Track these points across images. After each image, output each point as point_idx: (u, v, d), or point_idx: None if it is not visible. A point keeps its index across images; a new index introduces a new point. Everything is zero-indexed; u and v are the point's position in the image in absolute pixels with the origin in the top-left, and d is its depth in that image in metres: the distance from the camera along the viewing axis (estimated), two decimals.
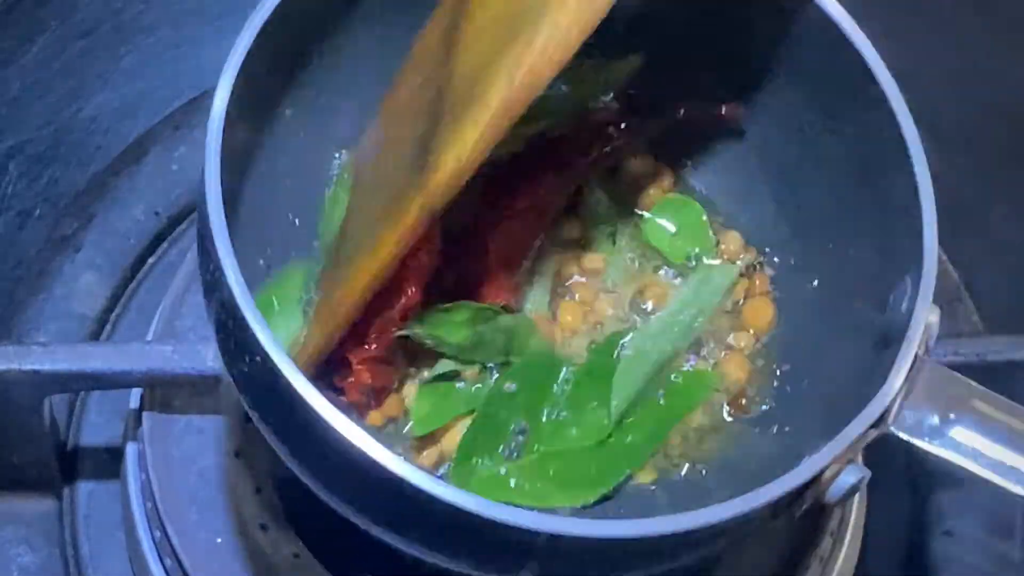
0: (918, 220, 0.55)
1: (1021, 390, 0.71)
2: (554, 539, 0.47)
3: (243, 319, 0.48)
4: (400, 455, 0.47)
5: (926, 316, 0.52)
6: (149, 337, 0.69)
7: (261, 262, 0.57)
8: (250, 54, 0.54)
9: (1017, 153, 0.74)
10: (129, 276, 0.78)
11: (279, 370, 0.47)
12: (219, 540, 0.63)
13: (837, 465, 0.51)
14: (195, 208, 0.78)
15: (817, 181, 0.61)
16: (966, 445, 0.52)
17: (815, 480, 0.50)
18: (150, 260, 0.78)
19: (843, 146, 0.60)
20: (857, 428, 0.51)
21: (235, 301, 0.49)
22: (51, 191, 0.77)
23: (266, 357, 0.48)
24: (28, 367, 0.61)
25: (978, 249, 0.76)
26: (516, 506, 0.51)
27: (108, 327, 0.76)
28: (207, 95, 0.81)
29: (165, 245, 0.79)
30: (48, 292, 0.76)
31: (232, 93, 0.53)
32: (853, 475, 0.51)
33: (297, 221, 0.61)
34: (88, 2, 0.76)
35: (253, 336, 0.48)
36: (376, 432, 0.57)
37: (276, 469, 0.66)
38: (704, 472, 0.59)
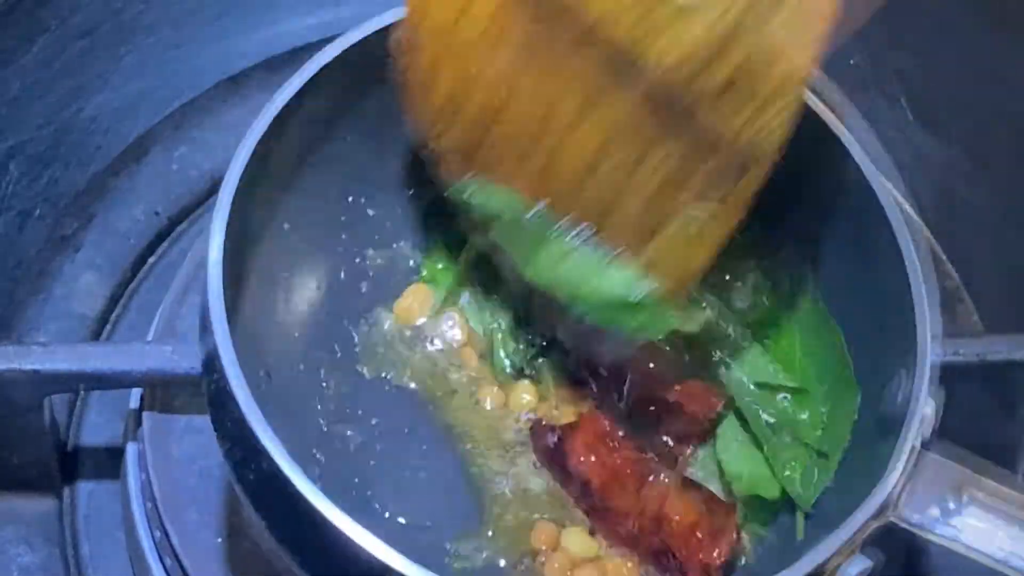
0: (912, 316, 0.56)
1: (1021, 390, 0.71)
2: None
3: (251, 429, 0.50)
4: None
5: (923, 408, 0.53)
6: (149, 337, 0.69)
7: (262, 372, 0.58)
8: (248, 169, 0.55)
9: (1017, 153, 0.74)
10: (129, 276, 0.78)
11: (288, 479, 0.49)
12: (219, 540, 0.63)
13: (840, 556, 0.51)
14: (195, 207, 0.79)
15: (816, 278, 0.62)
16: (968, 532, 0.53)
17: (819, 572, 0.51)
18: (150, 260, 0.78)
19: (838, 244, 0.61)
20: (859, 520, 0.51)
21: (242, 412, 0.50)
22: (51, 191, 0.77)
23: (274, 466, 0.49)
24: (28, 367, 0.61)
25: (978, 249, 0.76)
26: None
27: (108, 327, 0.76)
28: (207, 95, 0.83)
29: (165, 245, 0.79)
30: (48, 292, 0.76)
31: (232, 208, 0.55)
32: (857, 566, 0.52)
33: (296, 334, 0.62)
34: (88, 2, 0.76)
35: (262, 446, 0.49)
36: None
37: None
38: None
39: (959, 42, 0.74)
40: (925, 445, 0.54)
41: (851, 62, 0.74)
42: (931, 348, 0.55)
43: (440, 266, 0.67)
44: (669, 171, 0.54)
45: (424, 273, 0.67)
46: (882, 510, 0.52)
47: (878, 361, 0.58)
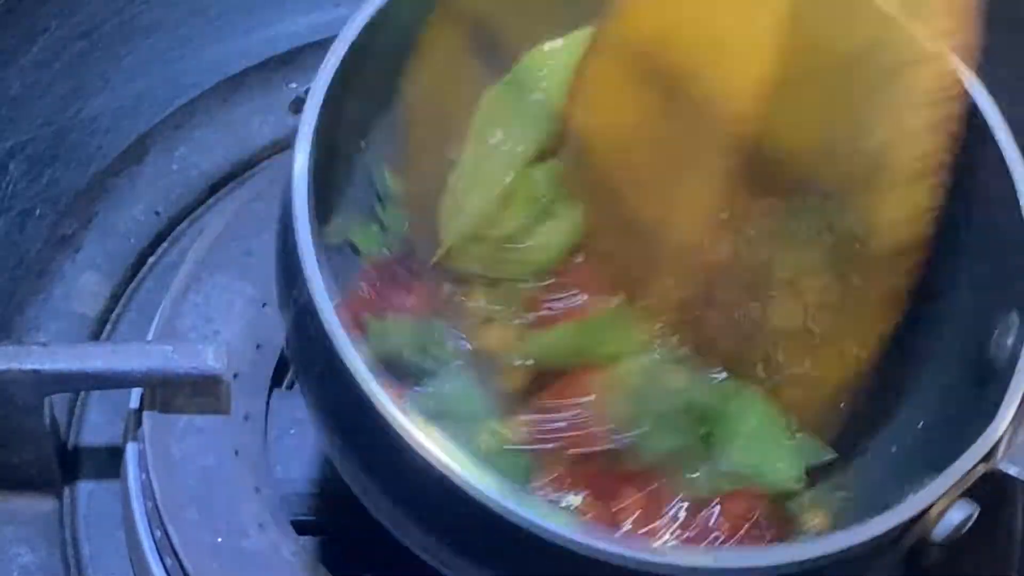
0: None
1: None
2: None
3: (339, 353, 0.48)
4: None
5: None
6: (149, 337, 0.69)
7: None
8: (334, 81, 0.54)
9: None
10: (129, 276, 0.78)
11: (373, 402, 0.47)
12: (219, 540, 0.63)
13: (944, 501, 0.50)
14: (195, 207, 0.79)
15: None
16: None
17: (921, 516, 0.49)
18: (150, 260, 0.78)
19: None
20: (966, 463, 0.50)
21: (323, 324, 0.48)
22: (51, 191, 0.77)
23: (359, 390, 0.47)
24: (28, 367, 0.61)
25: None
26: None
27: (108, 327, 0.76)
28: (207, 95, 0.83)
29: (165, 245, 0.79)
30: (48, 292, 0.76)
31: (317, 124, 0.53)
32: (961, 512, 0.50)
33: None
34: (88, 2, 0.76)
35: (342, 360, 0.48)
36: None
37: (275, 468, 0.66)
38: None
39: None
40: None
41: None
42: None
43: None
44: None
45: None
46: (990, 454, 0.50)
47: (982, 306, 0.56)
